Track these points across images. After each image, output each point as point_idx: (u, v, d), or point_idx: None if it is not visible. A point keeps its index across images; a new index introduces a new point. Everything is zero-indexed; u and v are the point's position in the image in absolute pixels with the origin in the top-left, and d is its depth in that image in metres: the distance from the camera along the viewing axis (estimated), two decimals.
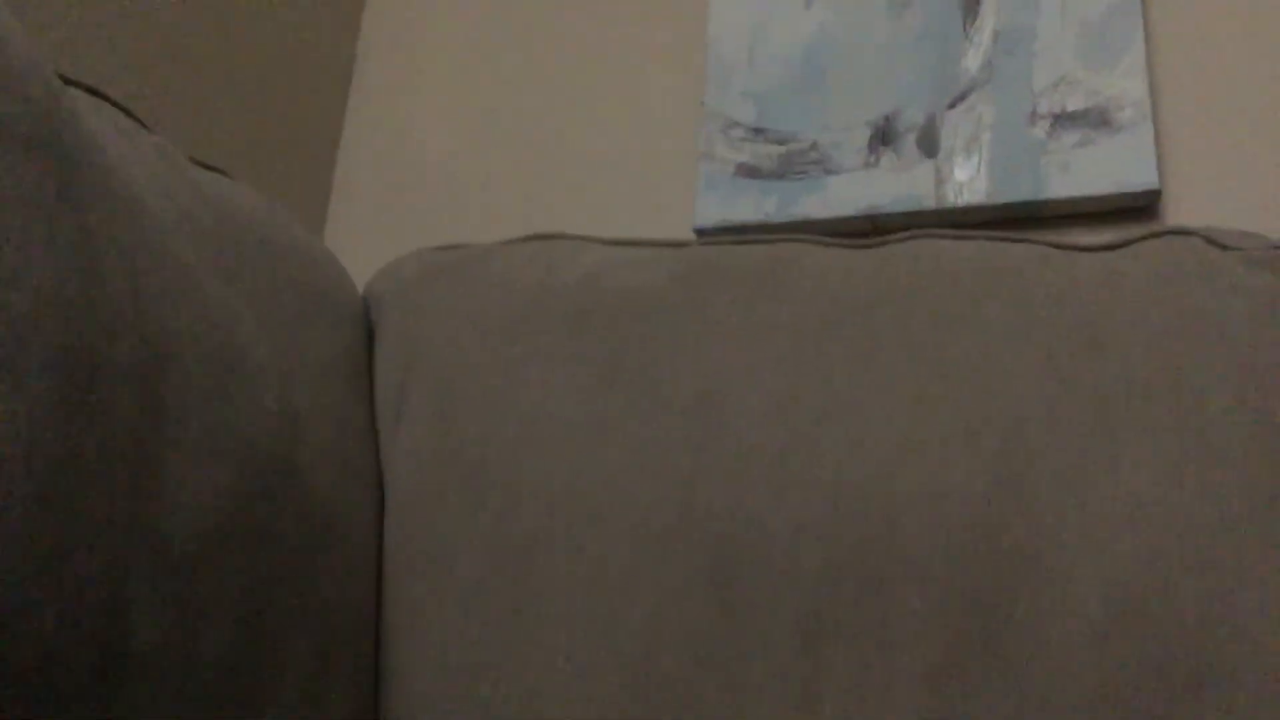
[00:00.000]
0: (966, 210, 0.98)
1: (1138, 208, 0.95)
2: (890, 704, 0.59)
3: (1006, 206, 0.97)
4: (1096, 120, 0.95)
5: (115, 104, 0.63)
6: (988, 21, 1.03)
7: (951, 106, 1.01)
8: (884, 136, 1.02)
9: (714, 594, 0.63)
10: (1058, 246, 0.71)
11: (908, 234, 0.74)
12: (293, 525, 0.59)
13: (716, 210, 1.05)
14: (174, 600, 0.50)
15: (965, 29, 1.03)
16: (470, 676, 0.65)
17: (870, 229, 1.02)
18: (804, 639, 0.61)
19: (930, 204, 0.98)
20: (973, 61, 1.02)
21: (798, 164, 1.04)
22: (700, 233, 1.06)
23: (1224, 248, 0.68)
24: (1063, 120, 0.97)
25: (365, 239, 1.24)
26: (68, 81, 0.59)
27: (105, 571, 0.47)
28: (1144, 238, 0.71)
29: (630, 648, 0.63)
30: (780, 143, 1.06)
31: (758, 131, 1.07)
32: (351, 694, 0.63)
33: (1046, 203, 0.95)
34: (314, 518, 0.62)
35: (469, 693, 0.65)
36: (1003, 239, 0.72)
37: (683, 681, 0.62)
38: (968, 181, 0.98)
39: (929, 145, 1.00)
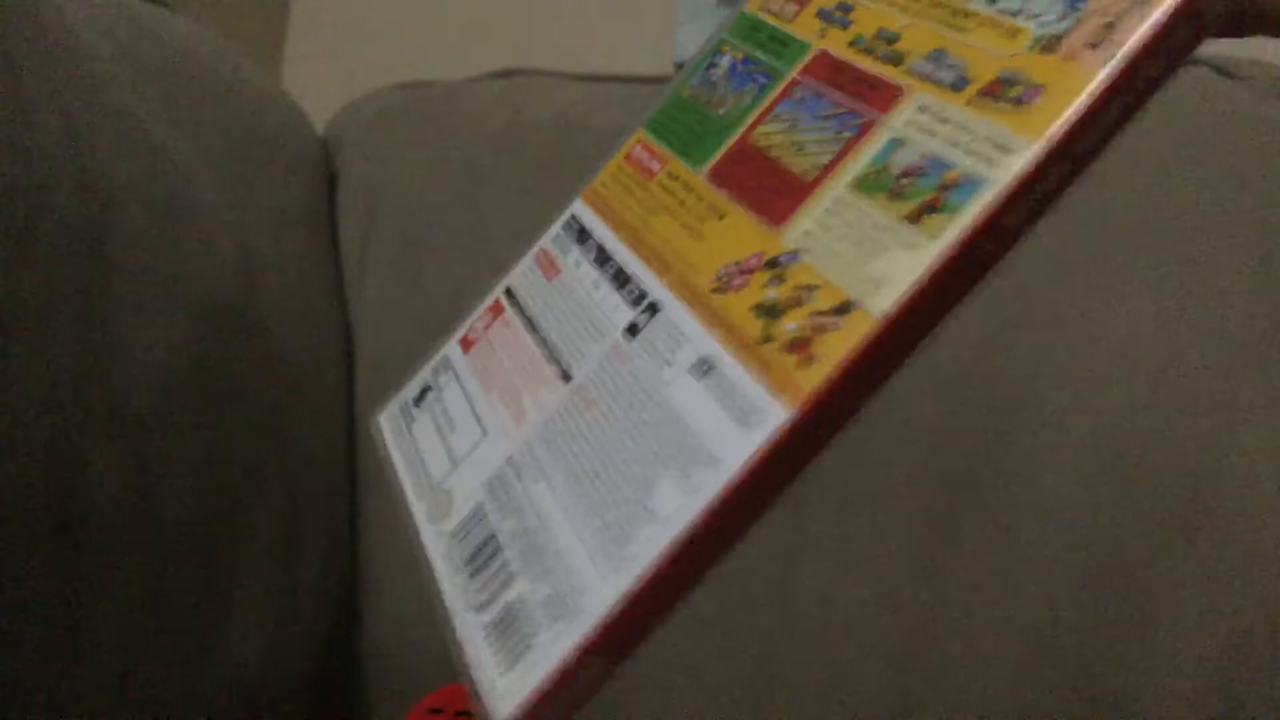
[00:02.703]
0: None
1: None
2: (877, 556, 0.58)
3: None
4: None
5: None
6: None
7: None
8: None
9: None
10: None
11: None
12: (255, 379, 0.57)
13: (698, 42, 1.00)
14: (131, 458, 0.48)
15: None
16: None
17: None
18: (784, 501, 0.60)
19: None
20: None
21: None
22: (681, 67, 1.01)
23: (1233, 77, 0.64)
24: None
25: (324, 78, 1.18)
26: None
27: (56, 429, 0.45)
28: None
29: None
30: None
31: None
32: (323, 554, 0.62)
33: None
34: (277, 371, 0.59)
35: None
36: None
37: None
38: None
39: None
